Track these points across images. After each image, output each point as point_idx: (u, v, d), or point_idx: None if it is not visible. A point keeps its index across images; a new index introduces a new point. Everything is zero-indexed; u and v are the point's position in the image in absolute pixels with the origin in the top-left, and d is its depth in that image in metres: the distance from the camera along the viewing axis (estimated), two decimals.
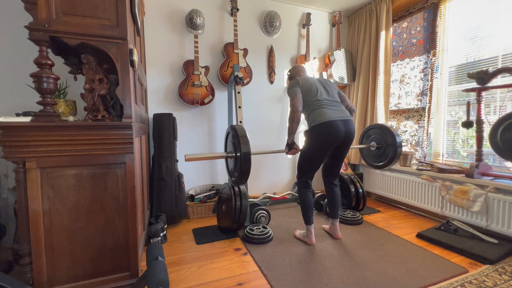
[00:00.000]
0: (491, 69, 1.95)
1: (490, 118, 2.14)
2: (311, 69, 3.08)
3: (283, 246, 1.88)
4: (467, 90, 2.11)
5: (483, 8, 2.16)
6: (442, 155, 2.52)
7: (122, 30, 1.28)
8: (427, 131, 2.55)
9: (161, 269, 1.03)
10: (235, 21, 2.64)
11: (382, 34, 2.75)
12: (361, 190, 2.49)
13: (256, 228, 2.04)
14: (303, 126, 3.17)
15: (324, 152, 1.81)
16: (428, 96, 2.53)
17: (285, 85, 3.05)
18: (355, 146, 2.28)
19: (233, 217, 1.97)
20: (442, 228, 2.04)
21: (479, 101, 2.04)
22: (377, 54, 2.82)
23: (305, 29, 3.03)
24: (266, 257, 1.73)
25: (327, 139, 1.74)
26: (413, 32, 2.72)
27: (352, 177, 2.59)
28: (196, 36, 2.52)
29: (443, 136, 2.50)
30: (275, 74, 2.96)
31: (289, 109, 1.87)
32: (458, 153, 2.42)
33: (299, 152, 1.92)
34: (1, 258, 1.56)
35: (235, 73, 2.17)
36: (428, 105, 2.52)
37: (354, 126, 1.85)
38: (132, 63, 1.33)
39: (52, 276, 1.22)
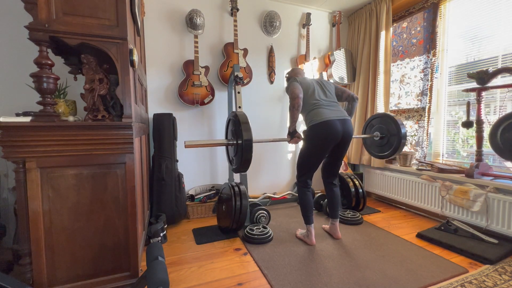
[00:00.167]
0: (491, 69, 1.95)
1: (490, 118, 2.14)
2: (311, 69, 3.08)
3: (283, 246, 1.88)
4: (467, 90, 2.11)
5: (483, 8, 2.16)
6: (442, 155, 2.52)
7: (122, 30, 1.28)
8: (427, 131, 2.55)
9: (161, 269, 1.03)
10: (235, 21, 2.64)
11: (382, 34, 2.75)
12: (361, 190, 2.49)
13: (256, 228, 2.04)
14: (303, 126, 3.17)
15: (323, 152, 1.82)
16: (428, 96, 2.53)
17: (285, 85, 3.05)
18: (358, 136, 2.27)
19: (233, 217, 1.97)
20: (442, 228, 2.04)
21: (479, 101, 2.04)
22: (377, 54, 2.82)
23: (305, 29, 3.03)
24: (266, 257, 1.73)
25: (325, 138, 1.76)
26: (413, 32, 2.72)
27: (352, 177, 2.59)
28: (196, 36, 2.52)
29: (443, 136, 2.50)
30: (275, 74, 2.96)
31: (288, 93, 1.88)
32: (458, 153, 2.42)
33: (299, 153, 1.92)
34: (1, 258, 1.56)
35: (235, 73, 2.17)
36: (428, 105, 2.52)
37: (352, 126, 1.86)
38: (132, 63, 1.33)
39: (52, 276, 1.22)
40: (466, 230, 1.94)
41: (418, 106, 2.64)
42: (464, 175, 2.12)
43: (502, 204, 1.85)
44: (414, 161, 2.64)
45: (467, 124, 2.09)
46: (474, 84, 2.08)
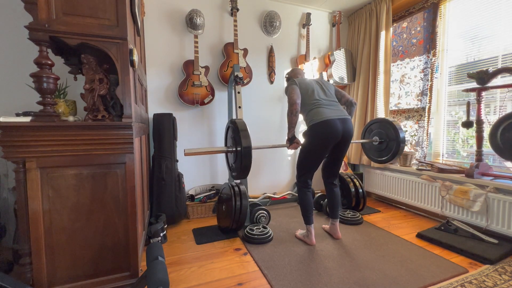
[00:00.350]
0: (491, 69, 1.95)
1: (490, 118, 2.14)
2: (311, 69, 3.08)
3: (283, 246, 1.88)
4: (467, 90, 2.11)
5: (483, 8, 2.16)
6: (442, 155, 2.52)
7: (122, 30, 1.28)
8: (427, 131, 2.55)
9: (161, 269, 1.03)
10: (235, 21, 2.64)
11: (382, 34, 2.75)
12: (361, 190, 2.49)
13: (256, 228, 2.04)
14: (303, 126, 3.17)
15: (323, 151, 1.82)
16: (428, 96, 2.53)
17: (285, 85, 3.05)
18: (357, 140, 2.27)
19: (233, 217, 1.97)
20: (442, 228, 2.04)
21: (479, 101, 2.04)
22: (377, 54, 2.82)
23: (305, 29, 3.03)
24: (266, 257, 1.73)
25: (325, 138, 1.75)
26: (413, 32, 2.72)
27: (352, 177, 2.59)
28: (196, 36, 2.52)
29: (443, 136, 2.50)
30: (275, 74, 2.96)
31: (287, 98, 1.88)
32: (458, 153, 2.42)
33: (299, 152, 1.92)
34: (1, 258, 1.56)
35: (235, 73, 2.17)
36: (428, 105, 2.52)
37: (352, 125, 1.85)
38: (132, 63, 1.33)
39: (52, 276, 1.22)
40: (466, 230, 1.94)
41: (418, 106, 2.64)
42: (464, 175, 2.12)
43: (502, 204, 1.85)
44: (414, 161, 2.64)
45: (467, 124, 2.09)
46: (474, 84, 2.08)
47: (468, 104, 2.10)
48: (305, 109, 1.86)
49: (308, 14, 2.97)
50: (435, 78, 2.51)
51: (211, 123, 2.76)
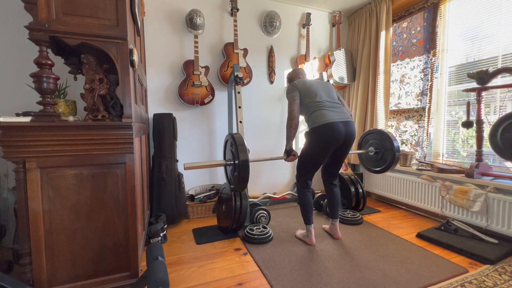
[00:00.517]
0: (491, 69, 1.95)
1: (490, 118, 2.14)
2: (311, 69, 3.08)
3: (283, 246, 1.88)
4: (467, 90, 2.11)
5: (483, 8, 2.16)
6: (442, 155, 2.52)
7: (122, 30, 1.28)
8: (427, 131, 2.55)
9: (161, 269, 1.03)
10: (235, 21, 2.64)
11: (382, 34, 2.75)
12: (361, 190, 2.49)
13: (256, 228, 2.04)
14: (303, 126, 3.17)
15: (324, 154, 1.80)
16: (428, 96, 2.53)
17: (285, 85, 3.05)
18: (353, 151, 2.29)
19: (233, 217, 1.97)
20: (442, 228, 2.04)
21: (479, 101, 2.04)
22: (377, 54, 2.82)
23: (305, 29, 3.03)
24: (266, 257, 1.73)
25: (328, 141, 1.73)
26: (413, 32, 2.72)
27: (352, 177, 2.59)
28: (196, 36, 2.52)
29: (443, 136, 2.50)
30: (275, 74, 2.96)
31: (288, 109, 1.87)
32: (458, 153, 2.42)
33: (300, 153, 1.91)
34: (1, 258, 1.56)
35: (235, 73, 2.17)
36: (428, 105, 2.52)
37: (355, 128, 1.84)
38: (132, 63, 1.33)
39: (52, 276, 1.22)
40: (466, 230, 1.94)
41: (418, 106, 2.64)
42: (464, 175, 2.12)
43: (502, 204, 1.85)
44: (414, 161, 2.64)
45: (467, 124, 2.09)
46: (474, 84, 2.08)
47: (468, 104, 2.10)
48: (307, 110, 1.82)
49: (308, 14, 2.97)
50: (435, 78, 2.51)
51: (211, 123, 2.76)
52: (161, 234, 1.93)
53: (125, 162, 1.30)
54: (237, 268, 1.63)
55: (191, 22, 2.49)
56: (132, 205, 1.33)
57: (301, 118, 1.94)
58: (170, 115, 2.36)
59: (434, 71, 2.50)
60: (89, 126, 1.22)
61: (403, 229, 2.17)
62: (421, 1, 2.58)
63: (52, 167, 1.19)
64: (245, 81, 2.75)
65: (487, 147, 2.07)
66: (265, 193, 2.89)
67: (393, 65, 2.93)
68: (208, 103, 2.60)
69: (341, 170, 2.98)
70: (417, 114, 2.65)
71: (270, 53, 2.92)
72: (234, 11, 2.63)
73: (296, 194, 2.82)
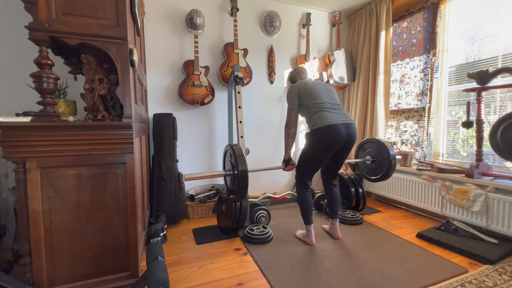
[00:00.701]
0: (491, 69, 1.95)
1: (490, 118, 2.14)
2: (311, 69, 3.08)
3: (283, 246, 1.88)
4: (467, 90, 2.11)
5: (483, 8, 2.16)
6: (442, 155, 2.52)
7: (122, 30, 1.28)
8: (427, 131, 2.55)
9: (161, 269, 1.03)
10: (235, 21, 2.64)
11: (382, 34, 2.75)
12: (361, 190, 2.49)
13: (256, 228, 2.04)
14: (303, 126, 3.17)
15: (325, 156, 1.79)
16: (428, 96, 2.53)
17: (285, 85, 3.05)
18: (350, 160, 2.30)
19: (233, 217, 1.97)
20: (442, 228, 2.04)
21: (479, 101, 2.04)
22: (377, 54, 2.82)
23: (305, 29, 3.03)
24: (266, 257, 1.73)
25: (328, 143, 1.72)
26: (413, 32, 2.72)
27: (352, 177, 2.59)
28: (196, 36, 2.52)
29: (443, 136, 2.50)
30: (275, 74, 2.96)
31: (286, 116, 1.87)
32: (458, 153, 2.42)
33: (300, 154, 1.91)
34: (1, 258, 1.56)
35: (235, 73, 2.17)
36: (428, 105, 2.52)
37: (356, 130, 1.82)
38: (132, 63, 1.33)
39: (52, 276, 1.22)
40: (466, 230, 1.94)
41: (418, 106, 2.64)
42: (464, 175, 2.12)
43: (502, 204, 1.85)
44: (414, 161, 2.64)
45: (467, 124, 2.09)
46: (474, 84, 2.08)
47: (468, 104, 2.10)
48: (308, 112, 1.81)
49: (308, 14, 2.97)
50: (435, 78, 2.51)
51: (211, 123, 2.76)
52: (161, 234, 1.93)
53: (125, 162, 1.30)
54: (237, 268, 1.63)
55: (191, 22, 2.49)
56: (132, 205, 1.33)
57: (301, 118, 1.93)
58: (170, 115, 2.36)
59: (434, 71, 2.50)
60: (89, 126, 1.22)
61: (403, 229, 2.17)
62: (421, 1, 2.58)
63: (52, 167, 1.19)
64: (245, 81, 2.75)
65: (487, 147, 2.07)
66: (265, 193, 2.90)
67: (393, 65, 2.93)
68: (208, 103, 2.60)
69: (341, 170, 2.98)
70: (417, 114, 2.65)
71: (270, 53, 2.92)
72: (234, 11, 2.63)
73: (296, 194, 2.82)
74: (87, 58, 1.30)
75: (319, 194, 2.68)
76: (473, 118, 2.09)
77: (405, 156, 2.61)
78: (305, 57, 3.02)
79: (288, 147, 1.87)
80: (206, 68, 2.58)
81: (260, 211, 2.22)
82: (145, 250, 1.46)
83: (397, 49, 2.90)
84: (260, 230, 2.01)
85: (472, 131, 2.20)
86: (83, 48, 1.31)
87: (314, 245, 1.88)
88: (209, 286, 1.46)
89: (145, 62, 2.42)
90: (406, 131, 2.78)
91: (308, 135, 1.83)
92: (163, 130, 2.32)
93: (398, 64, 2.88)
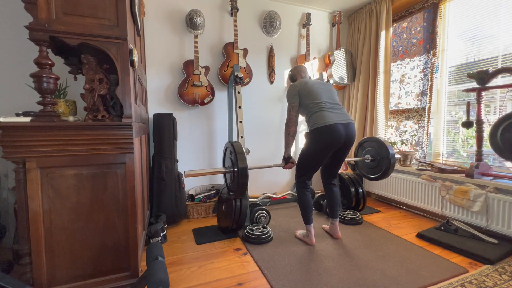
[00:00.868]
0: (491, 69, 1.95)
1: (490, 118, 2.14)
2: (311, 69, 3.08)
3: (283, 246, 1.88)
4: (467, 90, 2.11)
5: (483, 8, 2.16)
6: (442, 155, 2.52)
7: (122, 30, 1.28)
8: (427, 131, 2.55)
9: (161, 269, 1.03)
10: (235, 21, 2.64)
11: (382, 34, 2.75)
12: (361, 190, 2.49)
13: (256, 228, 2.04)
14: (303, 126, 3.17)
15: (324, 155, 1.79)
16: (428, 96, 2.53)
17: (285, 85, 3.05)
18: (350, 159, 2.30)
19: (233, 217, 1.97)
20: (442, 228, 2.04)
21: (479, 101, 2.04)
22: (377, 54, 2.82)
23: (305, 29, 3.03)
24: (266, 257, 1.73)
25: (328, 143, 1.73)
26: (413, 32, 2.72)
27: (352, 177, 2.59)
28: (196, 36, 2.52)
29: (443, 136, 2.50)
30: (275, 74, 2.96)
31: (287, 115, 1.88)
32: (458, 153, 2.42)
33: (300, 154, 1.91)
34: (1, 258, 1.56)
35: (235, 73, 2.17)
36: (428, 105, 2.52)
37: (355, 130, 1.83)
38: (132, 63, 1.33)
39: (52, 276, 1.22)
40: (466, 230, 1.94)
41: (418, 106, 2.64)
42: (464, 175, 2.12)
43: (502, 204, 1.85)
44: (414, 161, 2.64)
45: (467, 124, 2.09)
46: (474, 84, 2.08)
47: (468, 104, 2.10)
48: (308, 111, 1.81)
49: (308, 14, 2.97)
50: (435, 78, 2.51)
51: (211, 123, 2.76)
52: (161, 234, 1.93)
53: (125, 162, 1.30)
54: (237, 268, 1.63)
55: (191, 22, 2.49)
56: (132, 205, 1.33)
57: (301, 117, 1.93)
58: (170, 115, 2.36)
59: (434, 71, 2.50)
60: (89, 126, 1.22)
61: (403, 229, 2.17)
62: (421, 1, 2.58)
63: (52, 167, 1.19)
64: (245, 81, 2.75)
65: (487, 147, 2.07)
66: (265, 193, 2.90)
67: (393, 65, 2.93)
68: (208, 103, 2.60)
69: (341, 170, 2.98)
70: (417, 114, 2.65)
71: (270, 53, 2.92)
72: (234, 11, 2.63)
73: (296, 194, 2.83)
74: (87, 58, 1.30)
75: (319, 194, 2.68)
76: (473, 118, 2.09)
77: (405, 156, 2.61)
78: (305, 57, 3.02)
79: (288, 145, 1.88)
80: (206, 68, 2.58)
81: (260, 211, 2.22)
82: (145, 250, 1.46)
83: (397, 49, 2.90)
84: (260, 230, 2.01)
85: (472, 131, 2.20)
86: (83, 48, 1.31)
87: (314, 245, 1.88)
88: (209, 286, 1.46)
89: (145, 62, 2.42)
90: (406, 131, 2.78)
91: (307, 135, 1.83)
92: (163, 130, 2.32)
93: (398, 64, 2.88)
